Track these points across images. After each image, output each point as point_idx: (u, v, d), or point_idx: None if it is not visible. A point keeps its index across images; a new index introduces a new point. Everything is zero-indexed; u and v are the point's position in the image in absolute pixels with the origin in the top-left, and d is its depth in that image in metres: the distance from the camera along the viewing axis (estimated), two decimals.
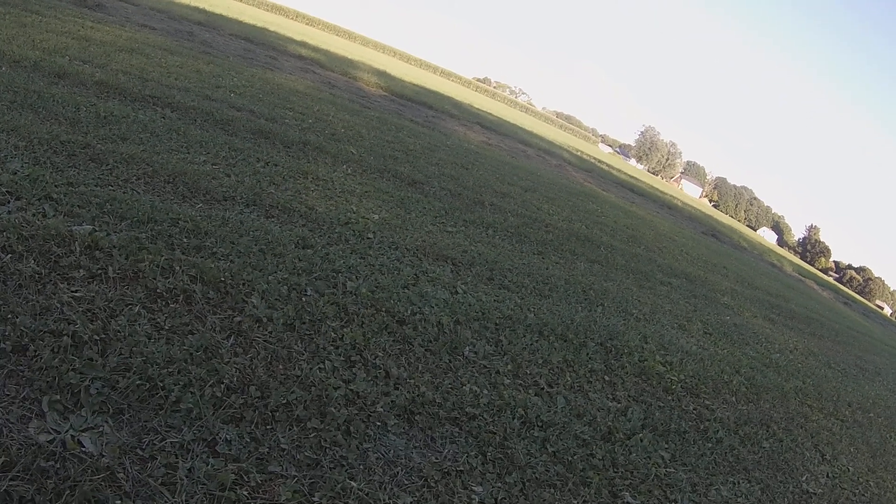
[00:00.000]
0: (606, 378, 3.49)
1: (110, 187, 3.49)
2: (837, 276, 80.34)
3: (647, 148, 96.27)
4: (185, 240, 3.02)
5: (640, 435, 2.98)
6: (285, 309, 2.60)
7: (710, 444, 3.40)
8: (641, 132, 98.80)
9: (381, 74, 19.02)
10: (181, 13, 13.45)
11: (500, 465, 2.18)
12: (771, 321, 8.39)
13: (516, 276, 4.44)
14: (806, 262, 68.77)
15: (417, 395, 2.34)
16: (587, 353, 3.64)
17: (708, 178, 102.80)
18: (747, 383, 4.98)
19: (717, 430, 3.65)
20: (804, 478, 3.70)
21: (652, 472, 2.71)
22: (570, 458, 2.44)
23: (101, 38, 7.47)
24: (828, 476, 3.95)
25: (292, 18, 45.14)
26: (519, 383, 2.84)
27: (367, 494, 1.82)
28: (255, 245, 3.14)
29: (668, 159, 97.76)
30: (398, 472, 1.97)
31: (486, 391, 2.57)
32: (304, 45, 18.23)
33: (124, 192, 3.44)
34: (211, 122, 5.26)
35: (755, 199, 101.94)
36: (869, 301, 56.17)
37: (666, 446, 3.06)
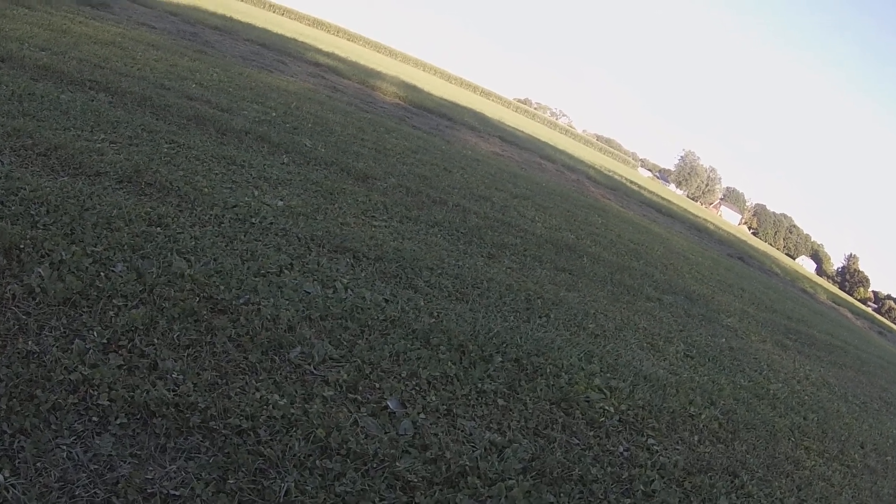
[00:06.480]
0: (501, 402, 2.82)
1: None
2: (876, 306, 74.77)
3: (686, 173, 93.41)
4: (12, 208, 2.72)
5: (512, 482, 2.22)
6: (72, 282, 2.19)
7: (628, 500, 2.52)
8: (681, 157, 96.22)
9: (408, 87, 18.79)
10: (198, 17, 13.68)
11: (241, 499, 1.65)
12: (783, 347, 7.41)
13: (436, 276, 3.89)
14: (844, 291, 64.28)
15: (175, 395, 1.85)
16: (486, 370, 3.00)
17: (747, 204, 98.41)
18: (722, 418, 4.15)
19: (652, 480, 2.74)
20: None
21: None
22: None
23: (83, 31, 7.48)
24: None
25: (333, 34, 46.27)
26: (352, 398, 2.27)
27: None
28: (92, 217, 2.78)
29: (707, 185, 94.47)
30: (80, 479, 1.49)
31: (284, 402, 2.03)
32: (329, 55, 18.24)
33: None
34: (143, 107, 5.01)
35: (794, 226, 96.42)
36: None
37: (552, 500, 2.25)
